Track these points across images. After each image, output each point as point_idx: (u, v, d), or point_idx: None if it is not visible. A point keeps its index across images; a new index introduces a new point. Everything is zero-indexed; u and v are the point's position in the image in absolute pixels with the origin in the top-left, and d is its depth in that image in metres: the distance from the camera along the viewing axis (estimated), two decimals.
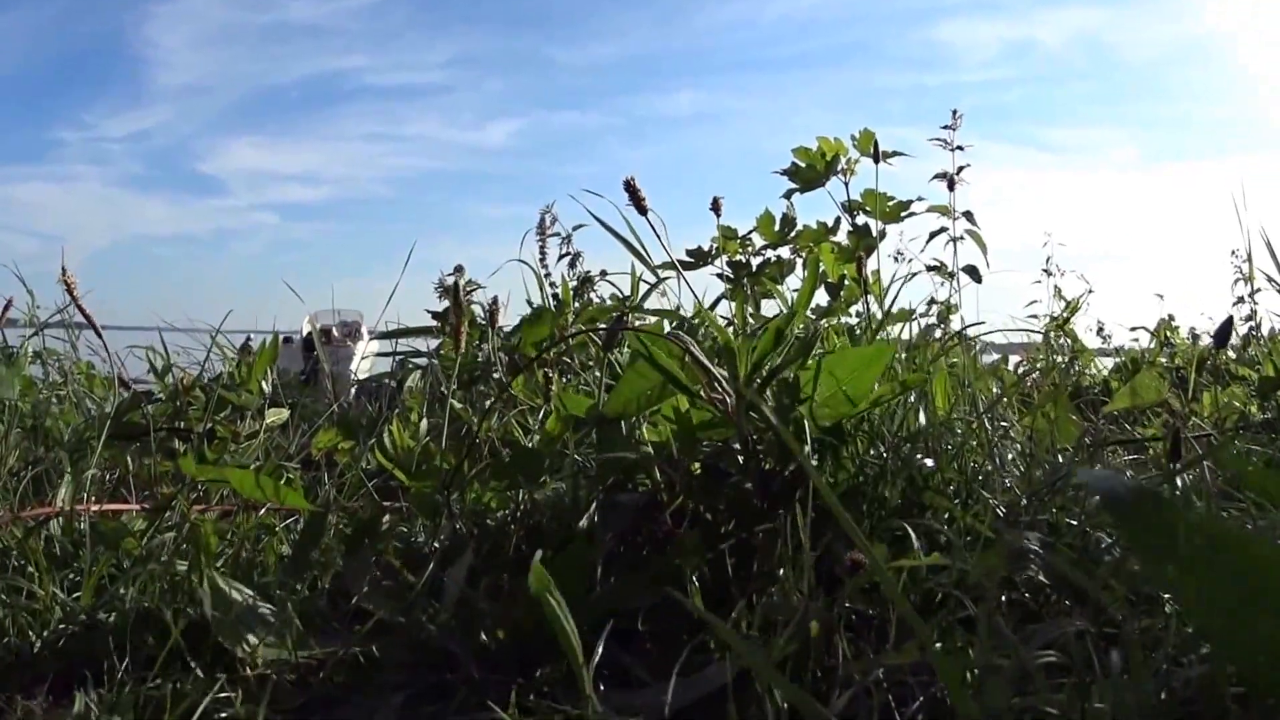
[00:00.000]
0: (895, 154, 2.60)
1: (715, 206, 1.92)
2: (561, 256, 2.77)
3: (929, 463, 1.34)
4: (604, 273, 2.81)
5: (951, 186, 2.64)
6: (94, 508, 1.35)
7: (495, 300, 2.02)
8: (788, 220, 2.76)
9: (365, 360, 4.95)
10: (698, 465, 1.40)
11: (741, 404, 1.22)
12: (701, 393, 1.25)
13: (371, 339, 4.78)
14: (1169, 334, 3.66)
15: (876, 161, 2.42)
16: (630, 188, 1.35)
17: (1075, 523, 1.35)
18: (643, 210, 1.38)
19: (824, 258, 2.88)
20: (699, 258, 2.81)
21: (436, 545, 1.40)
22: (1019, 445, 1.66)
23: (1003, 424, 1.75)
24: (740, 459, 1.36)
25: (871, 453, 1.33)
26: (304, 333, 4.98)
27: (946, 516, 1.27)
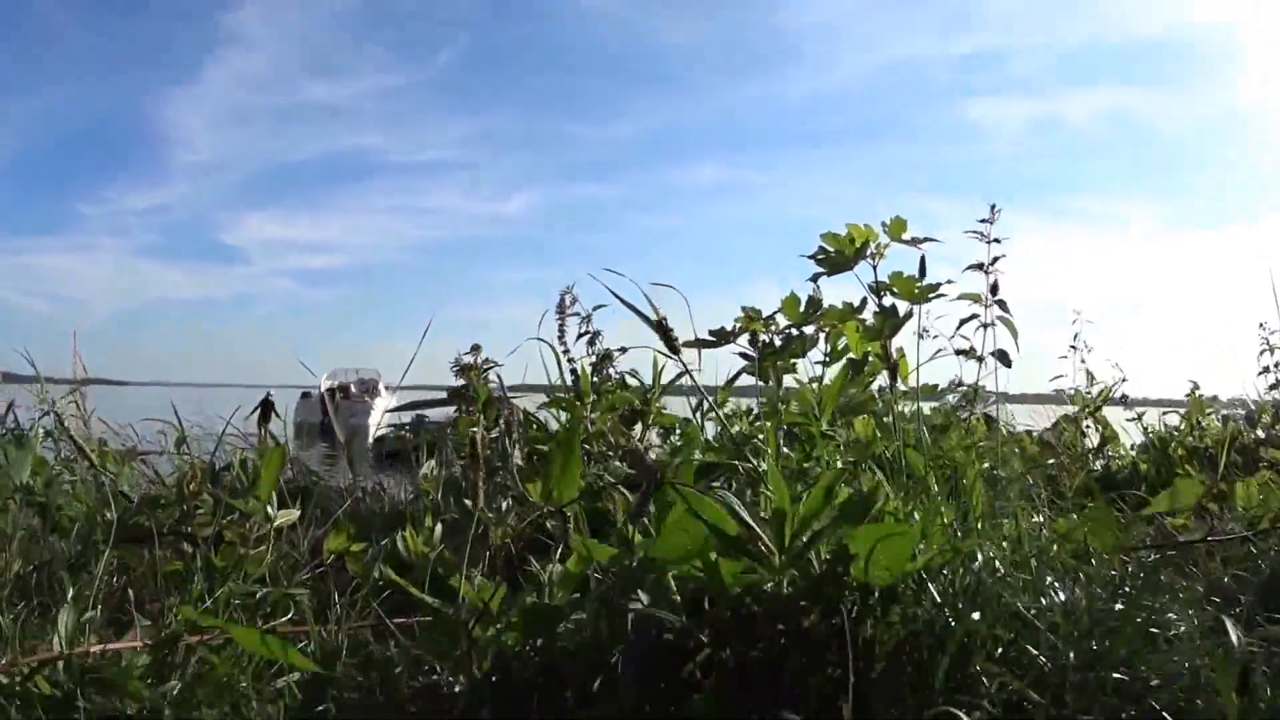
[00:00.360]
0: (927, 240, 2.55)
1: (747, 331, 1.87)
2: (581, 335, 2.72)
3: (975, 616, 1.28)
4: (623, 349, 2.76)
5: (995, 291, 2.58)
6: (94, 648, 1.29)
7: (513, 411, 1.97)
8: (813, 302, 2.71)
9: (382, 430, 4.98)
10: (729, 610, 1.34)
11: (786, 562, 1.16)
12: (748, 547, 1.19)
13: (390, 407, 4.84)
14: (1200, 417, 3.59)
15: (923, 275, 2.36)
16: (661, 327, 1.29)
17: (1124, 676, 1.28)
18: (675, 350, 1.32)
19: (849, 336, 2.82)
20: (721, 337, 2.76)
21: (457, 687, 1.34)
22: (1059, 565, 1.59)
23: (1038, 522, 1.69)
24: (780, 607, 1.30)
25: (916, 610, 1.26)
26: (323, 388, 5.05)
27: (995, 686, 1.20)
